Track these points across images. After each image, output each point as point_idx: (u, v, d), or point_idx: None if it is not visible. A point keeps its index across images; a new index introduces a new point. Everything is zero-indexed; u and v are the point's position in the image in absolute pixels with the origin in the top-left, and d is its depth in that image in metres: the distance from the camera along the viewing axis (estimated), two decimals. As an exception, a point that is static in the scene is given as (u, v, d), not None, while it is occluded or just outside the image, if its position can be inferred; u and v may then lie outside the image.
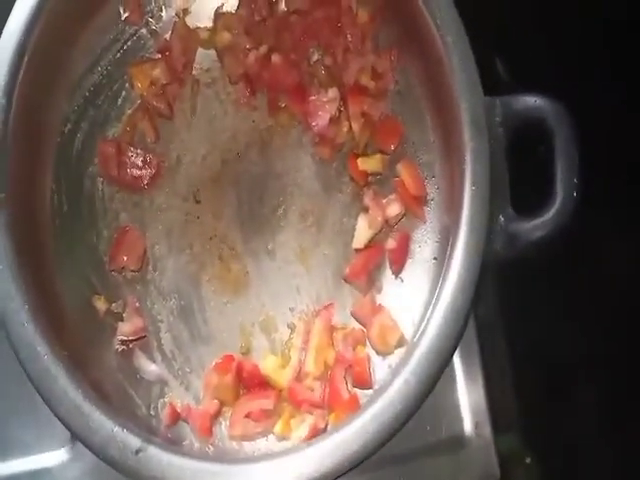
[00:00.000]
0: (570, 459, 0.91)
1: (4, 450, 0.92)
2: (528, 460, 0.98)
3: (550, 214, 0.74)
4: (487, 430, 0.95)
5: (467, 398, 0.96)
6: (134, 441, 0.70)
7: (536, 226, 0.74)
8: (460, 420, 0.95)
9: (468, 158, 0.73)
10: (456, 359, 0.95)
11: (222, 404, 0.82)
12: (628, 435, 0.84)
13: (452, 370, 0.94)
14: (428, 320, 0.72)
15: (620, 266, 0.83)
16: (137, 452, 0.69)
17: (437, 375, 0.70)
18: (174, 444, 0.78)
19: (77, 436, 0.70)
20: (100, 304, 0.84)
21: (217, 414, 0.81)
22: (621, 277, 0.83)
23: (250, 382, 0.82)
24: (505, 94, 0.78)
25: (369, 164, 0.86)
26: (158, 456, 0.69)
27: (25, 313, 0.73)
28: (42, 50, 0.81)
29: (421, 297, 0.82)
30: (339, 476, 0.69)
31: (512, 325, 0.99)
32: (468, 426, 0.96)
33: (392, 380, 0.71)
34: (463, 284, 0.71)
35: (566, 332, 0.91)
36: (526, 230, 0.74)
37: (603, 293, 0.83)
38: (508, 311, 0.99)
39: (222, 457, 0.78)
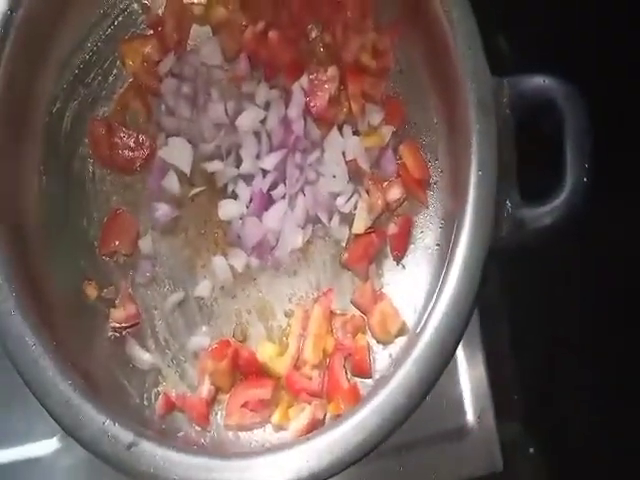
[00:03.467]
0: (574, 449, 0.91)
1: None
2: (531, 450, 0.97)
3: (559, 200, 0.71)
4: (490, 420, 0.94)
5: (469, 387, 0.95)
6: (126, 435, 0.68)
7: (544, 213, 0.72)
8: (462, 409, 0.94)
9: (474, 141, 0.71)
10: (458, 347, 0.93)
11: (218, 390, 0.80)
12: (632, 423, 0.83)
13: (454, 358, 0.92)
14: (431, 310, 0.70)
15: (629, 253, 0.81)
16: (129, 446, 0.67)
17: (440, 368, 0.68)
18: (168, 436, 0.76)
19: (66, 430, 0.68)
20: (91, 290, 0.82)
21: (213, 400, 0.80)
22: (629, 265, 0.81)
23: (247, 369, 0.80)
24: (512, 74, 0.75)
25: (370, 142, 0.84)
26: (151, 450, 0.67)
27: (12, 301, 0.70)
28: (28, 26, 0.77)
29: (423, 284, 0.80)
30: (340, 471, 0.68)
31: (515, 312, 0.97)
32: (470, 416, 0.94)
33: (394, 372, 0.69)
34: (468, 274, 0.69)
35: (571, 320, 0.90)
36: (534, 217, 0.72)
37: (610, 282, 0.82)
38: (510, 298, 0.97)
39: (218, 449, 0.77)
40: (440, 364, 0.68)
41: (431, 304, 0.71)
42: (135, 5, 0.87)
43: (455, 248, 0.70)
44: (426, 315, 0.71)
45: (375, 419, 0.67)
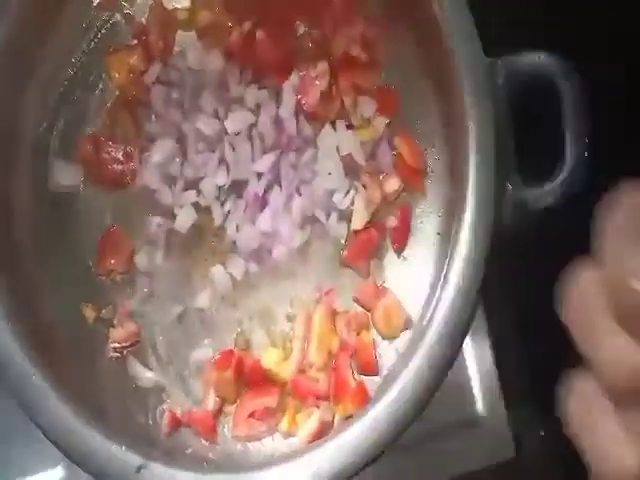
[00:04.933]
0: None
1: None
2: (542, 433, 0.95)
3: (561, 178, 0.68)
4: (500, 407, 0.91)
5: (477, 375, 0.92)
6: (134, 459, 0.66)
7: (546, 192, 0.68)
8: (471, 399, 0.92)
9: (471, 126, 0.68)
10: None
11: (223, 402, 0.78)
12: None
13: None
14: (437, 301, 0.68)
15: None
16: (138, 469, 0.65)
17: (450, 360, 0.65)
18: (176, 454, 0.74)
19: (73, 460, 0.67)
20: (89, 312, 0.80)
21: (219, 413, 0.78)
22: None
23: (252, 378, 0.78)
24: (506, 53, 0.72)
25: (364, 135, 0.82)
26: (160, 472, 0.66)
27: (9, 333, 0.69)
28: (7, 52, 0.77)
29: (426, 275, 0.78)
30: (353, 475, 0.65)
31: (519, 294, 0.94)
32: (479, 404, 0.92)
33: (402, 368, 0.67)
34: (473, 260, 0.66)
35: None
36: (535, 197, 0.69)
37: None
38: (514, 280, 0.94)
39: (227, 463, 0.74)
40: (449, 356, 0.65)
41: (436, 295, 0.68)
42: (118, 15, 0.86)
43: (457, 235, 0.68)
44: (432, 306, 0.68)
45: (386, 418, 0.64)
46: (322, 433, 0.73)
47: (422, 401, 0.65)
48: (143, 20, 0.85)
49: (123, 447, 0.66)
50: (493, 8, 0.86)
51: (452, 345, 0.65)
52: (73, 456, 0.67)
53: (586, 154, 0.66)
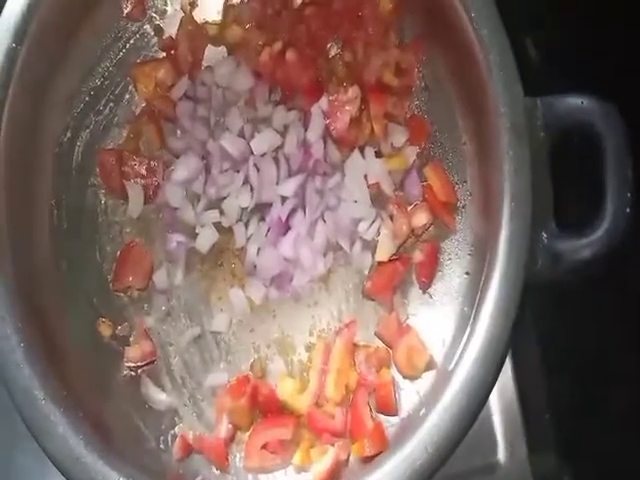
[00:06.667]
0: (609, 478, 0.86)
1: (7, 478, 0.88)
2: None
3: (599, 232, 0.66)
4: (522, 452, 0.90)
5: (500, 420, 0.91)
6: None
7: (583, 245, 0.67)
8: (494, 444, 0.90)
9: (506, 169, 0.67)
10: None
11: (237, 428, 0.76)
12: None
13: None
14: (464, 347, 0.66)
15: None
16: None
17: (475, 414, 0.64)
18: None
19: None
20: (104, 328, 0.79)
21: (232, 440, 0.76)
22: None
23: (266, 407, 0.76)
24: (546, 93, 0.70)
25: (393, 163, 0.80)
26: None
27: (21, 352, 0.68)
28: (36, 53, 0.75)
29: (452, 315, 0.76)
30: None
31: (546, 342, 0.93)
32: (502, 449, 0.90)
33: (424, 415, 0.65)
34: (503, 311, 0.65)
35: (605, 349, 0.85)
36: (571, 249, 0.67)
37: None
38: (542, 328, 0.92)
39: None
40: (474, 410, 0.64)
41: (463, 340, 0.67)
42: (147, 27, 0.85)
43: (488, 281, 0.66)
44: (458, 351, 0.67)
45: (404, 470, 0.63)
46: (336, 471, 0.71)
47: (443, 455, 0.63)
48: (172, 33, 0.84)
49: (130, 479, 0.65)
50: (534, 45, 0.84)
51: (478, 400, 0.64)
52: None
53: (628, 210, 0.64)
